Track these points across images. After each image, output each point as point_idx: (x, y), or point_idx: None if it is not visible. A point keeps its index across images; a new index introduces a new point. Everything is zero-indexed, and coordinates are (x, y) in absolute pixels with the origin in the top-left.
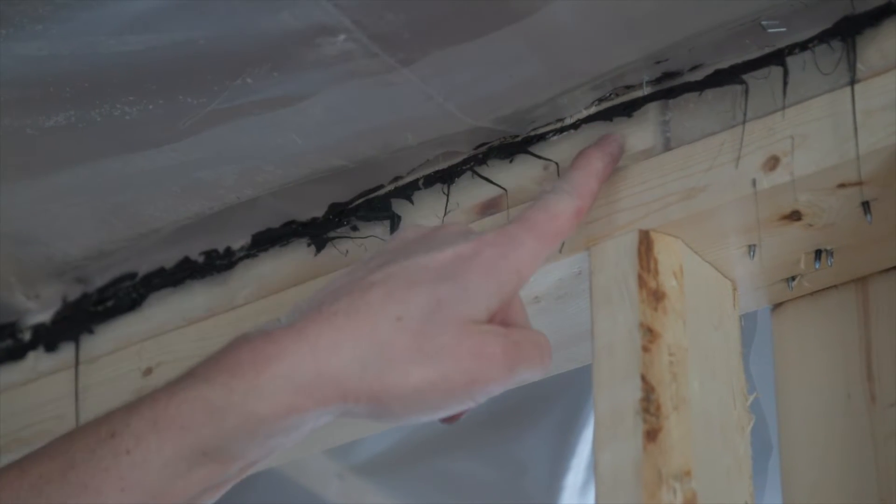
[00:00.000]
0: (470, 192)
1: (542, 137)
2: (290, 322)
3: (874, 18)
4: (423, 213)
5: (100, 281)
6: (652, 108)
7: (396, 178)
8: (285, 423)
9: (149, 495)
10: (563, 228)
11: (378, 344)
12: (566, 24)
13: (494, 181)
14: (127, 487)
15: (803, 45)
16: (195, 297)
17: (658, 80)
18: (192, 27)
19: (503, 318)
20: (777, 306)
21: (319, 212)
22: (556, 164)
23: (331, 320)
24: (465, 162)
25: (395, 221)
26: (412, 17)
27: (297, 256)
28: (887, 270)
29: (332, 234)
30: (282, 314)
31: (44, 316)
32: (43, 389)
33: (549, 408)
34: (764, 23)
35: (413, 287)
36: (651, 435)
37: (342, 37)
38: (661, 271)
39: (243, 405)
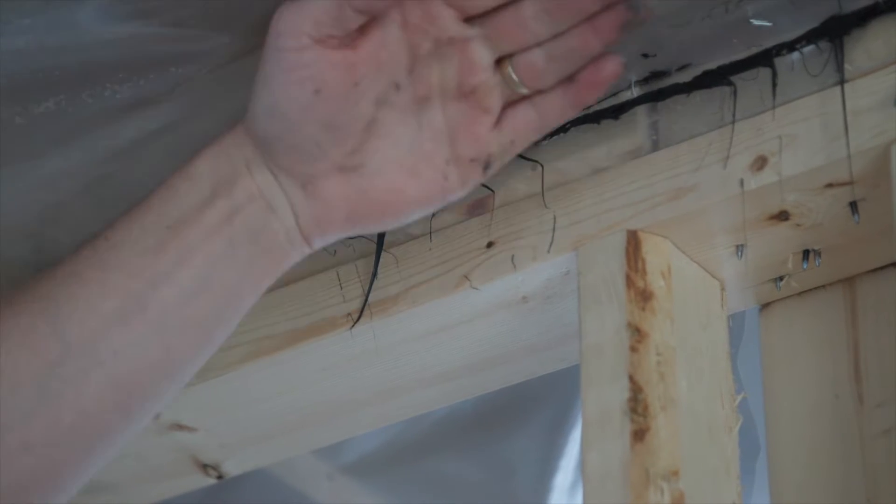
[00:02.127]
0: None
1: None
2: None
3: (861, 18)
4: None
5: None
6: (640, 109)
7: None
8: None
9: (127, 274)
10: None
11: None
12: None
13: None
14: (107, 268)
15: (791, 46)
16: None
17: (646, 81)
18: (182, 4)
19: None
20: (765, 306)
21: None
22: (542, 165)
23: None
24: None
25: None
26: None
27: None
28: (875, 270)
29: None
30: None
31: None
32: None
33: (538, 408)
34: (751, 18)
35: None
36: (639, 435)
37: None
38: (649, 271)
39: None
